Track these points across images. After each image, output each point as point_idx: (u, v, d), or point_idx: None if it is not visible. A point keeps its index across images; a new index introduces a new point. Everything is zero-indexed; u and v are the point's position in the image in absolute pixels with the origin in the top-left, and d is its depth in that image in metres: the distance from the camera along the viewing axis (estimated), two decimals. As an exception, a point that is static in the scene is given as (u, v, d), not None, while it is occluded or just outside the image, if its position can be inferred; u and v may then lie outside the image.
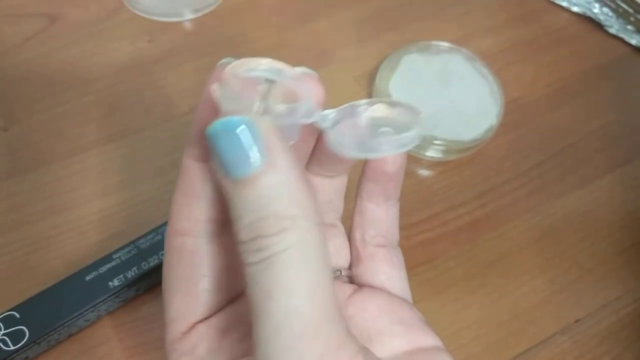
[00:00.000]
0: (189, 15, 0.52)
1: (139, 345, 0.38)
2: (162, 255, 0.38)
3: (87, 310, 0.37)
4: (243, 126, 0.19)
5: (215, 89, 0.20)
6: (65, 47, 0.50)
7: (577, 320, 0.41)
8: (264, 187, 0.19)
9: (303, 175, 0.19)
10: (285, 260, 0.18)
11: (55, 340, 0.37)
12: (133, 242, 0.39)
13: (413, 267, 0.42)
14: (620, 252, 0.44)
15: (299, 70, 0.22)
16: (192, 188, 0.23)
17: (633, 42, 0.55)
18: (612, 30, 0.55)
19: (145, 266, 0.38)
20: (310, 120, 0.22)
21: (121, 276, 0.38)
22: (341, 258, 0.27)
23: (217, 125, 0.19)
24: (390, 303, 0.26)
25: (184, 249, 0.23)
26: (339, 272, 0.26)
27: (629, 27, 0.55)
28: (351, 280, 0.27)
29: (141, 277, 0.38)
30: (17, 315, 0.36)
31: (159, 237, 0.39)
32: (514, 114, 0.50)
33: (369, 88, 0.50)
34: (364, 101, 0.23)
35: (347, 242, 0.27)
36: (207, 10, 0.53)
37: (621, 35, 0.55)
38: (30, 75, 0.48)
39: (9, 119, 0.46)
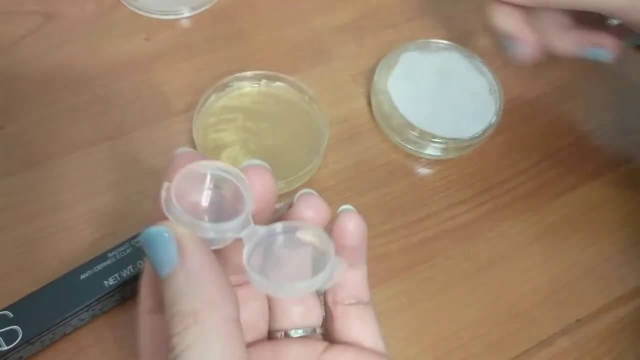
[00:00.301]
0: (186, 13, 0.52)
1: (135, 345, 0.38)
2: (157, 254, 0.38)
3: (81, 309, 0.36)
4: (163, 233, 0.23)
5: (165, 187, 0.24)
6: (61, 45, 0.49)
7: (577, 320, 0.41)
8: (176, 285, 0.22)
9: (212, 271, 0.22)
10: (189, 356, 0.21)
11: (49, 340, 0.37)
12: (128, 240, 0.39)
13: (411, 266, 0.41)
14: (620, 251, 0.44)
15: (248, 162, 0.26)
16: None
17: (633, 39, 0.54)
18: (613, 28, 0.55)
19: (140, 265, 0.38)
20: (239, 236, 0.24)
21: (116, 275, 0.37)
22: (313, 317, 0.28)
23: (144, 234, 0.23)
24: (362, 357, 0.27)
25: (150, 326, 0.26)
26: (313, 330, 0.28)
27: (629, 25, 0.55)
28: (325, 337, 0.29)
29: (137, 276, 0.37)
30: (11, 315, 0.35)
31: (155, 235, 0.39)
32: (513, 112, 0.49)
33: (367, 86, 0.49)
34: (288, 225, 0.25)
35: (319, 302, 0.29)
36: (204, 8, 0.52)
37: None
38: (26, 73, 0.48)
39: (4, 117, 0.45)
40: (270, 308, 0.28)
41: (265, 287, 0.24)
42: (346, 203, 0.43)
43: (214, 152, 0.44)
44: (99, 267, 0.38)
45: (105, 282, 0.37)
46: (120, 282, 0.37)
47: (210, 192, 0.26)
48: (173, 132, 0.46)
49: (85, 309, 0.37)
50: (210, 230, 0.24)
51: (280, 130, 0.46)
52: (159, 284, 0.24)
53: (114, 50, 0.49)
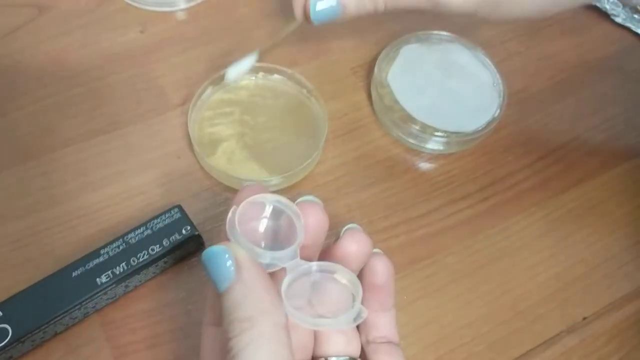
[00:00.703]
0: (182, 5, 0.51)
1: (129, 344, 0.37)
2: (151, 250, 0.37)
3: (73, 307, 0.36)
4: (223, 253, 0.26)
5: (232, 210, 0.28)
6: (55, 38, 0.48)
7: (584, 318, 0.40)
8: (233, 297, 0.25)
9: (266, 285, 0.26)
10: (244, 355, 0.24)
11: (40, 339, 0.36)
12: (122, 237, 0.38)
13: (412, 262, 0.40)
14: (628, 247, 0.43)
15: (304, 198, 0.29)
16: None
17: (640, 32, 0.53)
18: (619, 20, 0.54)
19: (134, 262, 0.37)
20: (284, 265, 0.28)
21: (109, 272, 0.37)
22: (353, 347, 0.31)
23: (205, 253, 0.26)
24: None
25: (212, 337, 0.29)
26: (353, 359, 0.31)
27: (636, 16, 0.54)
28: None
29: (130, 274, 0.37)
30: (0, 313, 0.34)
31: (148, 232, 0.38)
32: (517, 106, 0.48)
33: (367, 79, 0.48)
34: (326, 265, 0.28)
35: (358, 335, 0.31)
36: (200, 0, 0.51)
37: (628, 24, 0.54)
38: (19, 66, 0.47)
39: (-4, 111, 0.44)
40: (315, 334, 0.31)
41: (293, 315, 0.27)
42: (346, 199, 0.42)
43: (209, 146, 0.43)
44: (91, 264, 0.37)
45: (97, 279, 0.36)
46: (114, 280, 0.36)
47: (268, 221, 0.30)
48: (168, 126, 0.45)
49: (77, 307, 0.36)
50: (262, 255, 0.27)
51: (278, 124, 0.45)
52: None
53: (109, 43, 0.48)
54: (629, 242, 0.43)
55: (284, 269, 0.28)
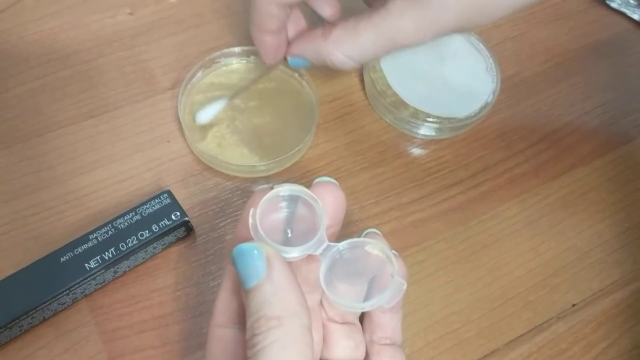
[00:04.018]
0: (172, -13, 0.50)
1: (117, 329, 0.37)
2: (141, 236, 0.37)
3: (62, 293, 0.35)
4: (254, 250, 0.26)
5: (251, 214, 0.28)
6: (42, 19, 0.48)
7: (573, 305, 0.40)
8: (262, 294, 0.26)
9: (294, 286, 0.26)
10: (269, 352, 0.24)
11: (28, 325, 0.35)
12: (110, 222, 0.37)
13: (404, 248, 0.40)
14: (618, 234, 0.43)
15: (319, 179, 0.30)
16: (233, 287, 0.30)
17: (635, 17, 0.53)
18: (614, 5, 0.53)
19: (123, 247, 0.37)
20: (315, 253, 0.28)
21: (98, 257, 0.36)
22: (359, 352, 0.32)
23: (236, 250, 0.27)
24: None
25: (220, 338, 0.29)
26: None
27: (632, 1, 0.53)
28: None
29: (119, 259, 0.36)
30: (-13, 299, 0.34)
31: (138, 217, 0.38)
32: (510, 91, 0.48)
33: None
34: (357, 241, 0.29)
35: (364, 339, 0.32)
36: (191, -18, 0.50)
37: (623, 9, 0.53)
38: (5, 48, 0.46)
39: (-17, 93, 0.44)
40: (325, 337, 0.31)
41: (337, 303, 0.28)
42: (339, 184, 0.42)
43: (200, 130, 0.43)
44: (80, 250, 0.36)
45: (86, 264, 0.36)
46: (102, 265, 0.36)
47: (288, 212, 0.30)
48: (158, 109, 0.44)
49: (65, 293, 0.35)
50: (291, 251, 0.28)
51: (269, 108, 0.45)
52: (240, 296, 0.28)
53: (97, 25, 0.48)
54: (620, 228, 0.43)
55: (304, 259, 0.29)
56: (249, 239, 0.28)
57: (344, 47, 0.37)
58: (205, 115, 0.42)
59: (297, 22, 0.40)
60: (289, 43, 0.40)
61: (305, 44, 0.39)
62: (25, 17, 0.47)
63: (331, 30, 0.37)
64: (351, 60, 0.37)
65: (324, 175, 0.31)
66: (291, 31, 0.40)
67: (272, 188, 0.29)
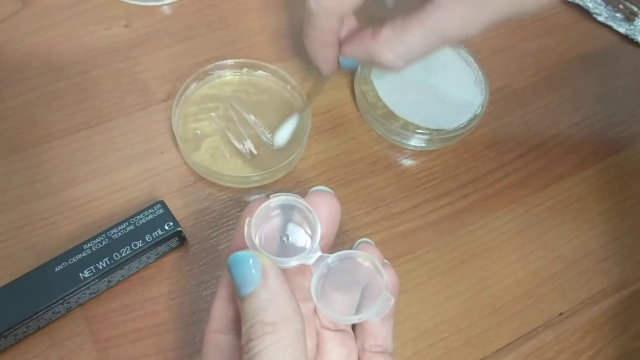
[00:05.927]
0: None
1: (111, 338, 0.37)
2: (134, 245, 0.37)
3: (56, 302, 0.36)
4: (249, 259, 0.27)
5: (247, 223, 0.29)
6: (39, 31, 0.48)
7: (560, 314, 0.40)
8: (257, 301, 0.26)
9: (288, 293, 0.27)
10: (264, 356, 0.25)
11: (23, 334, 0.36)
12: (105, 232, 0.38)
13: (394, 258, 0.41)
14: (605, 244, 0.43)
15: (315, 189, 0.31)
16: (229, 294, 0.30)
17: (622, 30, 0.54)
18: (601, 18, 0.54)
19: (117, 257, 0.37)
20: (308, 264, 0.29)
21: (92, 267, 0.37)
22: (352, 359, 0.32)
23: (232, 257, 0.27)
24: None
25: (216, 344, 0.30)
26: None
27: (618, 14, 0.54)
28: None
29: (113, 269, 0.37)
30: (-18, 308, 0.35)
31: (131, 227, 0.38)
32: (500, 103, 0.49)
33: (351, 76, 0.48)
34: (348, 253, 0.29)
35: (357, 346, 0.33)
36: (186, -5, 0.51)
37: (609, 23, 0.54)
38: (1, 60, 0.46)
39: (-21, 105, 0.44)
40: (317, 345, 0.32)
41: (327, 315, 0.29)
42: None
43: (193, 141, 0.43)
44: (74, 259, 0.37)
45: (80, 274, 0.36)
46: (96, 275, 0.36)
47: (282, 221, 0.31)
48: (152, 121, 0.45)
49: (60, 302, 0.36)
50: (286, 262, 0.28)
51: (263, 120, 0.45)
52: (235, 303, 0.29)
53: (93, 37, 0.48)
54: (607, 238, 0.44)
55: (297, 269, 0.29)
56: (244, 247, 0.28)
57: (394, 46, 0.37)
58: (283, 136, 0.43)
59: (347, 21, 0.40)
60: (340, 44, 0.40)
61: (355, 45, 0.39)
62: (21, 29, 0.48)
63: (380, 31, 0.37)
64: (400, 59, 0.38)
65: (316, 185, 0.32)
66: (343, 31, 0.40)
67: (267, 198, 0.30)
